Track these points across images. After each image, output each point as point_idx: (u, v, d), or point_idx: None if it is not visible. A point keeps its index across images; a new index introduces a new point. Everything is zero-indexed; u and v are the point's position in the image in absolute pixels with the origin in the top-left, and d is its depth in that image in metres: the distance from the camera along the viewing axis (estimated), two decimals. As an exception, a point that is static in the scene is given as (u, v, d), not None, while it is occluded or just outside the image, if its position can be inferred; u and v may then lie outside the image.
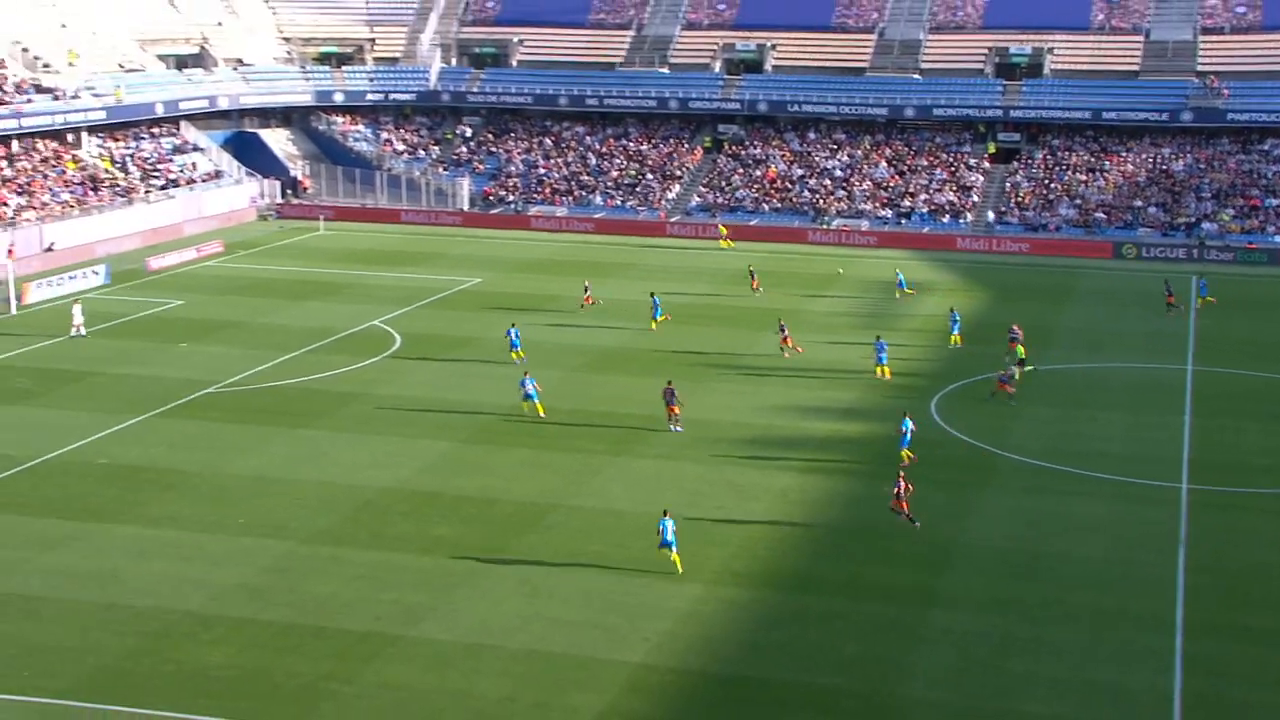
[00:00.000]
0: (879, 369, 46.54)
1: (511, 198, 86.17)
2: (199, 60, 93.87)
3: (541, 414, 42.04)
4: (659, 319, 53.80)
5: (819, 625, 28.98)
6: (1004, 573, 31.56)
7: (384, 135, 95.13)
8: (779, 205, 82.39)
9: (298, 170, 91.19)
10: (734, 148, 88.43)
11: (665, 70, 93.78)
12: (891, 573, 31.42)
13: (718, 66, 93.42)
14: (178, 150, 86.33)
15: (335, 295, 61.03)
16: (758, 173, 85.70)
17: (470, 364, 49.23)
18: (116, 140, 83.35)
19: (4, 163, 73.39)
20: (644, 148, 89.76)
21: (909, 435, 38.19)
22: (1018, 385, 44.09)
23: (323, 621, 28.92)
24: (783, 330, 50.14)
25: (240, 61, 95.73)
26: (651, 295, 55.45)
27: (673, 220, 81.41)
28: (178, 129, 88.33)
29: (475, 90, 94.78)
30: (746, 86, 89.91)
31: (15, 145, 75.44)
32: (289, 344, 51.65)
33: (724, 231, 77.24)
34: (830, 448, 39.73)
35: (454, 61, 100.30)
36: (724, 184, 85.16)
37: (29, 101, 75.74)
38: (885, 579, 31.11)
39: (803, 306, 59.41)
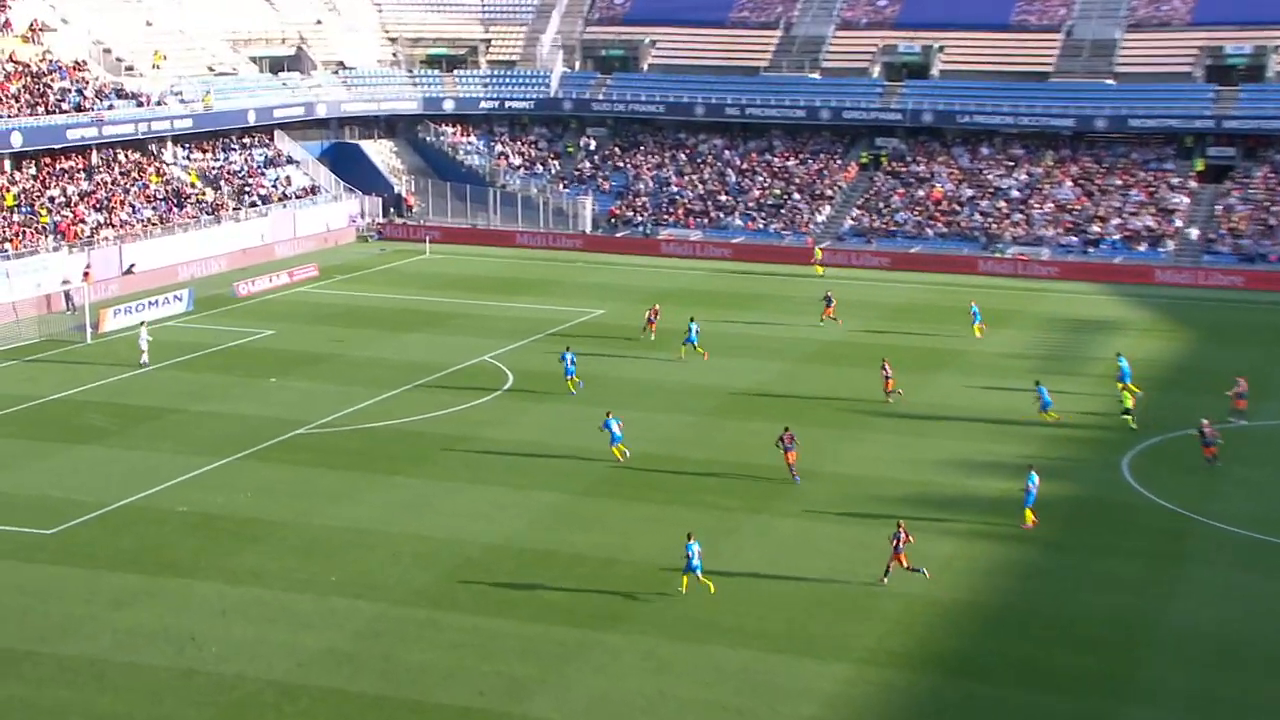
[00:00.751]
0: (1046, 414, 46.83)
1: (639, 219, 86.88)
2: (296, 63, 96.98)
3: (620, 458, 42.88)
4: (690, 346, 55.49)
5: (988, 718, 28.35)
6: (1211, 662, 30.55)
7: (498, 148, 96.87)
8: (945, 230, 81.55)
9: (402, 186, 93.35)
10: (894, 164, 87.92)
11: (816, 75, 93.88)
12: (1075, 658, 30.62)
13: (876, 71, 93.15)
14: (270, 163, 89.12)
15: (441, 326, 62.08)
16: (921, 193, 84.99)
17: (590, 406, 49.59)
18: (204, 151, 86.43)
19: (82, 175, 76.62)
20: (790, 164, 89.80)
21: (1033, 493, 37.66)
22: (1219, 444, 42.79)
23: (419, 694, 29.25)
24: (886, 371, 49.95)
25: (341, 65, 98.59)
26: (690, 321, 56.72)
27: (822, 246, 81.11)
28: (271, 139, 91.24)
29: (601, 97, 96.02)
30: (909, 94, 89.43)
31: (95, 156, 78.71)
32: (389, 380, 52.67)
33: (818, 254, 77.04)
34: (1001, 510, 38.99)
35: (578, 65, 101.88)
36: (881, 205, 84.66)
37: (110, 108, 79.03)
38: (1068, 665, 30.33)
39: (970, 346, 58.73)
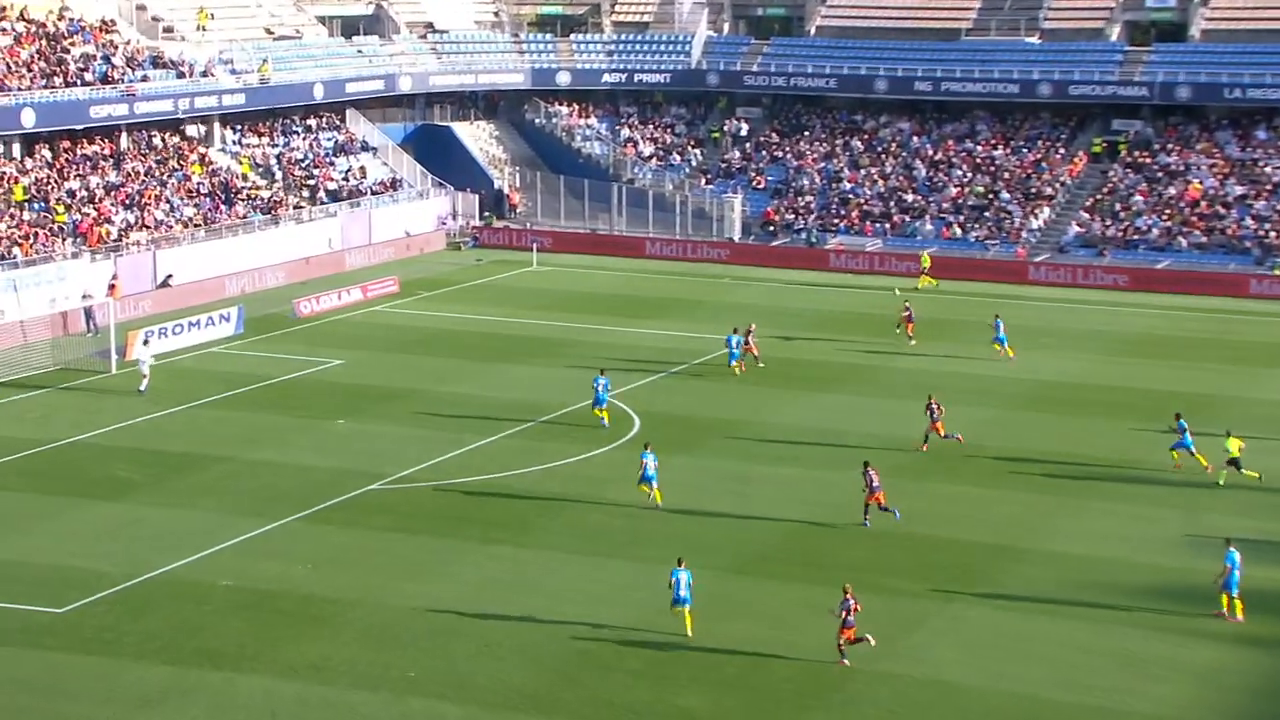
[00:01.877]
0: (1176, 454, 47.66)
1: (802, 223, 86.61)
2: (373, 24, 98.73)
3: (659, 503, 44.04)
4: (736, 364, 58.83)
5: None
6: None
7: (625, 133, 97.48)
8: (1204, 240, 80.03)
9: (504, 180, 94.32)
10: (1136, 153, 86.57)
11: (1034, 40, 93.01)
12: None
13: (1115, 33, 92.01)
14: (341, 150, 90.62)
15: (550, 357, 62.33)
16: (1171, 191, 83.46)
17: (739, 460, 49.25)
18: (259, 135, 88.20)
19: (108, 163, 78.56)
20: (998, 153, 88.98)
21: (1236, 574, 37.17)
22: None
23: (517, 825, 29.14)
24: (932, 413, 49.72)
25: (430, 27, 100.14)
26: (734, 331, 59.48)
27: (1037, 260, 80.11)
28: (342, 120, 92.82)
29: (755, 69, 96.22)
30: (1159, 62, 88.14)
31: (124, 140, 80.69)
32: (483, 424, 52.92)
33: (926, 263, 76.52)
34: (1272, 607, 37.95)
35: (726, 28, 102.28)
36: (1118, 207, 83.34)
37: (144, 80, 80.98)
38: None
39: (1243, 392, 57.62)
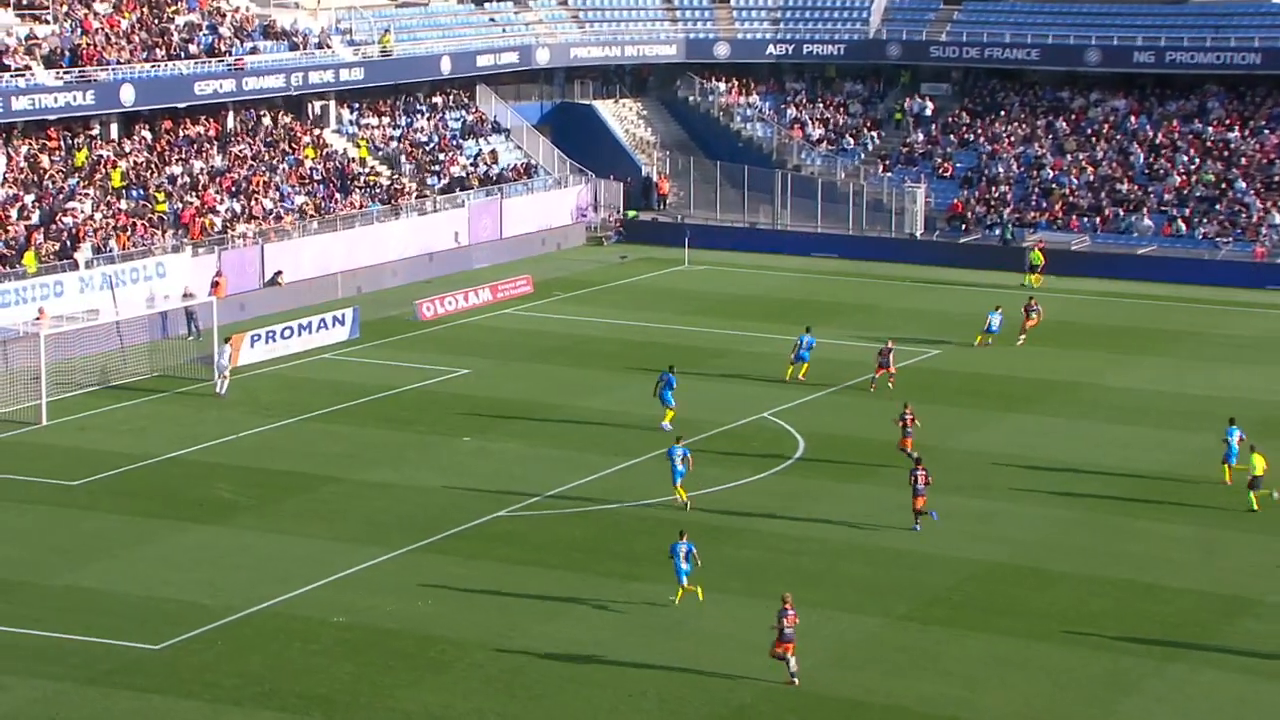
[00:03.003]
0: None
1: (997, 218, 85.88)
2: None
3: (683, 500, 46.56)
4: (800, 365, 60.19)
5: None
6: None
7: (791, 113, 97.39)
8: None
9: (653, 167, 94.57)
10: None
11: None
12: None
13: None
14: (470, 131, 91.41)
15: (704, 367, 62.39)
16: None
17: (929, 491, 48.99)
18: (379, 115, 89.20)
19: (213, 146, 79.86)
20: (1233, 135, 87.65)
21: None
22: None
23: None
24: (905, 424, 50.62)
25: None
26: (805, 331, 60.87)
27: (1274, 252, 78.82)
28: (471, 98, 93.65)
29: (944, 38, 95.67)
30: None
31: (231, 119, 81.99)
32: (628, 443, 53.10)
33: (1038, 259, 76.76)
34: None
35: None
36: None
37: (253, 52, 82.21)
38: None
39: None
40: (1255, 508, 47.00)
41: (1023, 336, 65.86)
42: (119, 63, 76.30)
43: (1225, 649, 38.40)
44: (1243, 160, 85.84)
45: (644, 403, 56.80)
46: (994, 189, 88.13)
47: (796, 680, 35.99)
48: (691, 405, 57.08)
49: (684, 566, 40.03)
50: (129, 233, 70.39)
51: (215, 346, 60.81)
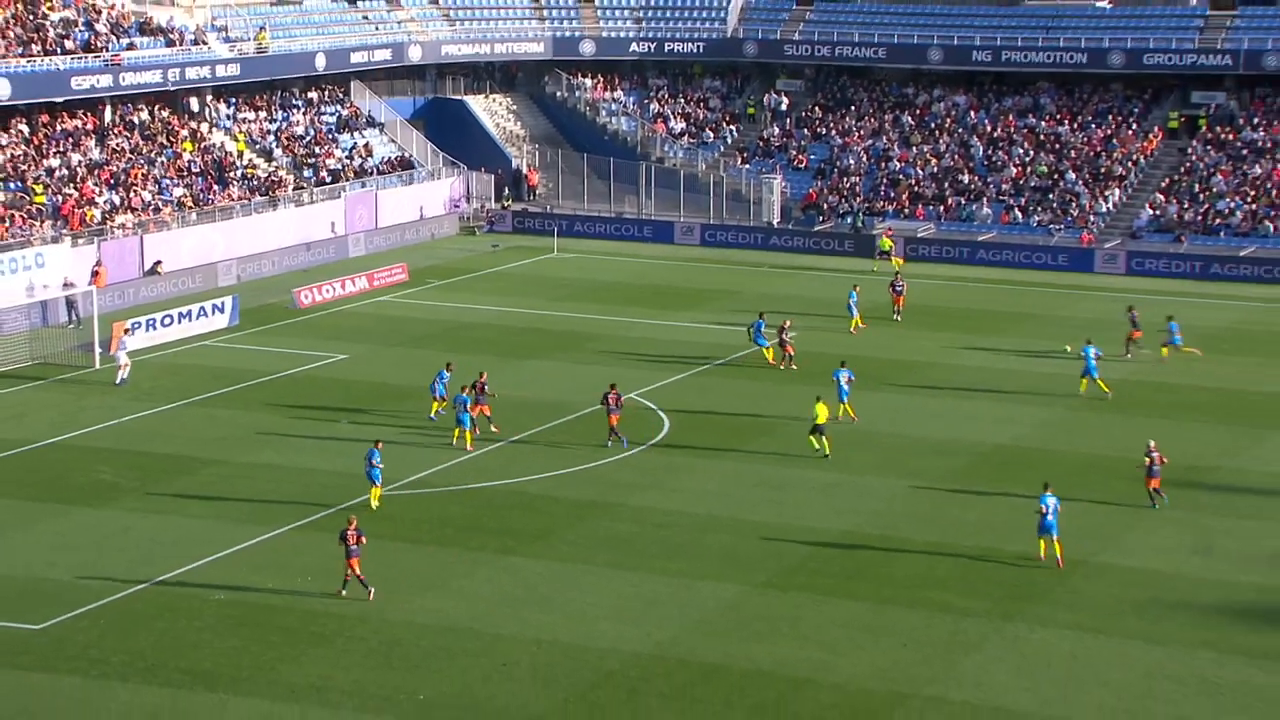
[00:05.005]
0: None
1: (847, 207, 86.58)
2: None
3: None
4: (767, 348, 60.48)
5: None
6: None
7: (654, 107, 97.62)
8: (1292, 227, 79.82)
9: (523, 159, 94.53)
10: (1218, 129, 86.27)
11: (1106, 5, 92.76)
12: None
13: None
14: (345, 125, 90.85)
15: (572, 351, 62.45)
16: (1258, 170, 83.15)
17: (777, 463, 49.32)
18: (255, 109, 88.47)
19: (91, 140, 78.88)
20: (1064, 129, 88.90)
21: (1050, 519, 39.62)
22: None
23: None
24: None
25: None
26: (760, 316, 61.32)
27: (1108, 246, 79.94)
28: (346, 93, 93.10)
29: (797, 37, 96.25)
30: (1244, 27, 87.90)
31: (109, 114, 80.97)
32: (500, 424, 53.07)
33: (887, 245, 78.15)
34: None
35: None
36: (1197, 189, 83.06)
37: (130, 48, 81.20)
38: None
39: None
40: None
41: (898, 315, 67.39)
42: (-4, 59, 75.17)
43: (1063, 611, 38.99)
44: (1072, 153, 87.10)
45: (519, 385, 56.78)
46: (845, 180, 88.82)
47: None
48: (562, 387, 57.19)
49: (376, 472, 44.58)
50: (7, 224, 69.45)
51: (94, 334, 60.14)
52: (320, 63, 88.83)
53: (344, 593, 39.29)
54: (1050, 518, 41.08)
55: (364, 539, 39.53)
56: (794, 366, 59.34)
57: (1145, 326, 61.60)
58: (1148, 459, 45.51)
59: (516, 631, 37.62)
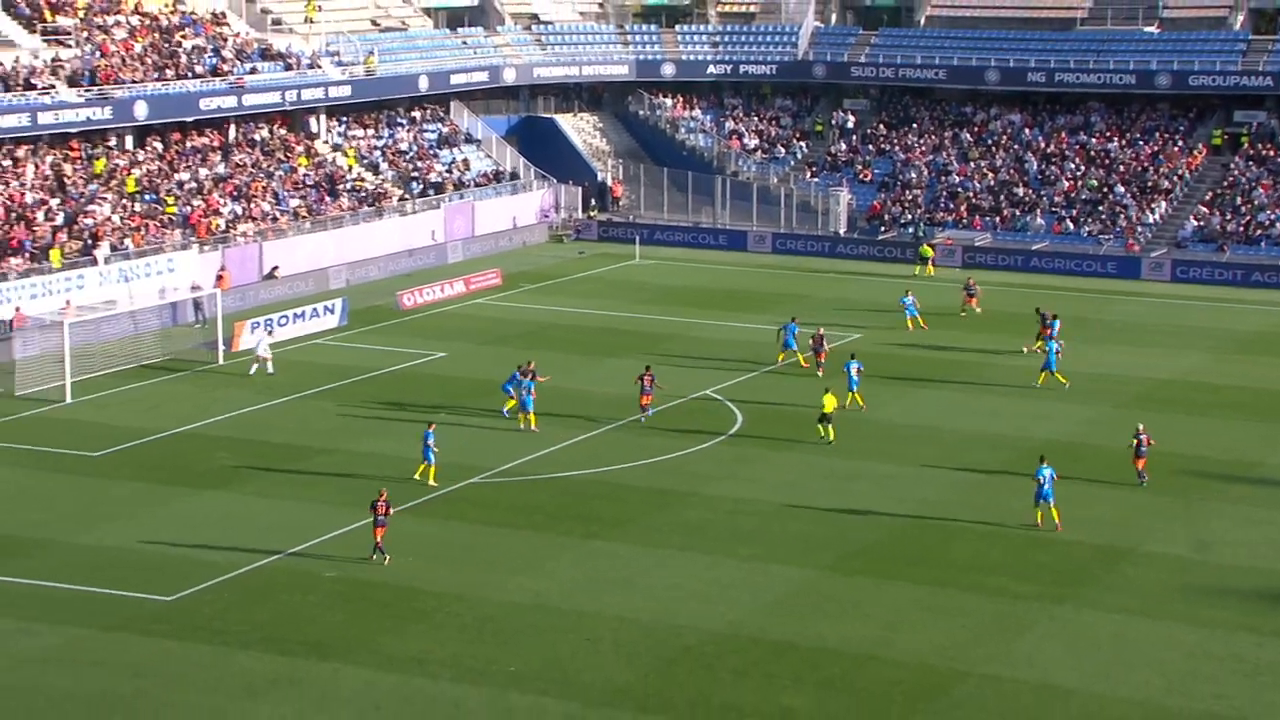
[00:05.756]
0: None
1: (909, 218, 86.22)
2: (479, 16, 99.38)
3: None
4: (790, 352, 59.87)
5: None
6: None
7: (729, 125, 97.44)
8: (1330, 238, 78.92)
9: (608, 173, 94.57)
10: (1259, 146, 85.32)
11: (1153, 29, 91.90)
12: None
13: (1239, 21, 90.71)
14: (445, 142, 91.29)
15: (653, 350, 62.54)
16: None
17: (843, 455, 49.40)
18: (364, 127, 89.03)
19: (217, 155, 79.68)
20: (1113, 146, 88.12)
21: (1047, 487, 40.44)
22: None
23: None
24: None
25: (534, 19, 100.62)
26: (792, 320, 60.73)
27: (1154, 255, 79.33)
28: (446, 112, 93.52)
29: (863, 60, 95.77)
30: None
31: (233, 132, 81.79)
32: (586, 418, 53.33)
33: (927, 253, 78.67)
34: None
35: (834, 19, 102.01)
36: (1239, 201, 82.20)
37: (252, 71, 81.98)
38: None
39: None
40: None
41: (964, 313, 67.84)
42: (133, 82, 76.03)
43: (1109, 595, 38.83)
44: (1121, 168, 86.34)
45: (601, 382, 56.97)
46: (907, 192, 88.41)
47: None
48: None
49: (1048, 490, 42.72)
50: (142, 232, 70.26)
51: (218, 333, 60.77)
52: (423, 84, 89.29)
53: (374, 558, 40.21)
54: (1046, 486, 42.41)
55: (391, 510, 40.58)
56: (819, 373, 58.23)
57: (1170, 329, 61.79)
58: (1135, 440, 46.39)
59: (600, 610, 37.80)
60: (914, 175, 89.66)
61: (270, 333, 61.90)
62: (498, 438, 51.27)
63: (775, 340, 60.89)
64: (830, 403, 50.66)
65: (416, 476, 46.50)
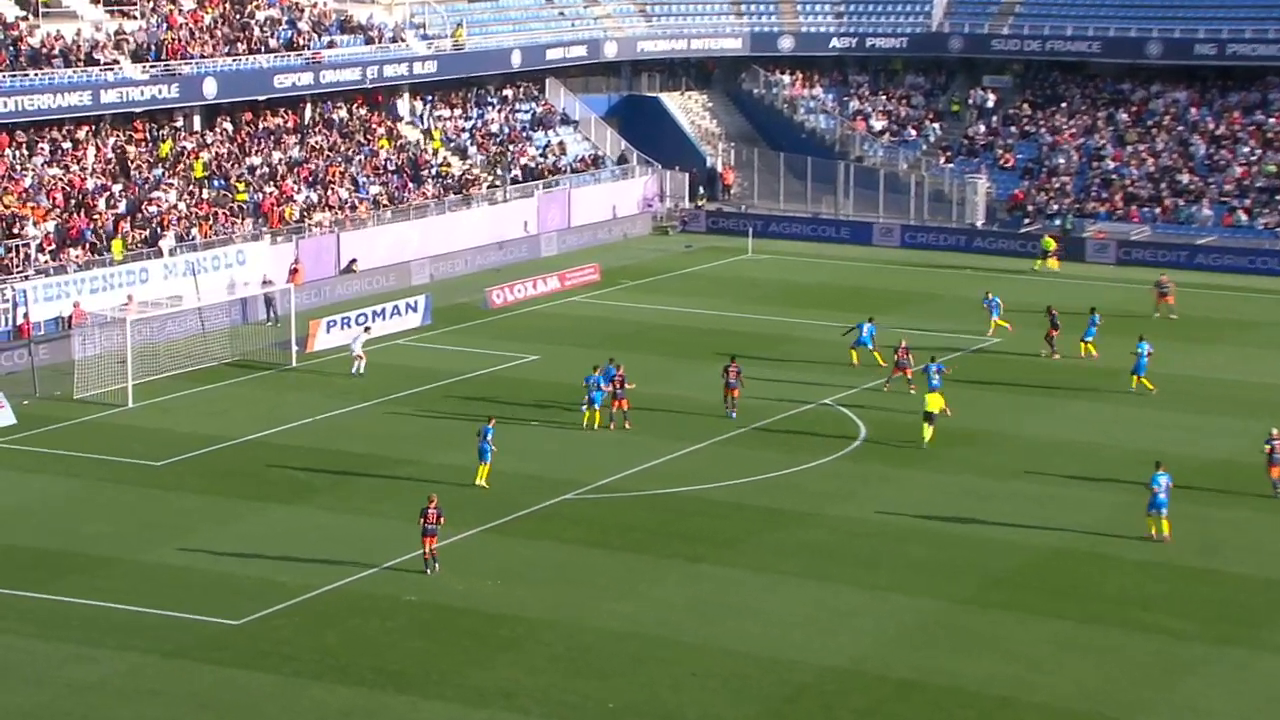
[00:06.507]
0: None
1: (1056, 208, 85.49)
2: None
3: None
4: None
5: None
6: None
7: (854, 105, 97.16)
8: None
9: (718, 158, 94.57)
10: None
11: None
12: None
13: None
14: (539, 123, 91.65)
15: (767, 354, 62.35)
16: None
17: (980, 472, 49.07)
18: (451, 107, 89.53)
19: (292, 138, 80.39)
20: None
21: (1162, 495, 41.18)
22: None
23: None
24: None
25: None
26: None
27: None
28: (541, 90, 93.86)
29: (1006, 31, 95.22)
30: None
31: (309, 112, 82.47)
32: (688, 429, 53.25)
33: (1050, 245, 77.91)
34: None
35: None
36: None
37: (330, 46, 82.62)
38: None
39: None
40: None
41: (1157, 313, 68.07)
42: (202, 57, 76.90)
43: None
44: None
45: (708, 389, 56.84)
46: (1054, 180, 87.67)
47: None
48: (755, 391, 57.12)
49: (487, 448, 46.85)
50: (211, 221, 71.03)
51: (291, 332, 61.28)
52: (516, 60, 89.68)
53: (429, 572, 40.83)
54: (1161, 495, 42.91)
55: (443, 519, 41.11)
56: (887, 388, 58.00)
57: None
58: (1269, 446, 46.37)
59: (706, 641, 37.68)
60: (1062, 161, 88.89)
61: (368, 329, 62.23)
62: (593, 449, 51.30)
63: (847, 338, 61.24)
64: (935, 401, 51.16)
65: (480, 482, 47.29)
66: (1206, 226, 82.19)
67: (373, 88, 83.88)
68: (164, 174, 73.10)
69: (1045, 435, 52.82)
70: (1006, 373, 59.69)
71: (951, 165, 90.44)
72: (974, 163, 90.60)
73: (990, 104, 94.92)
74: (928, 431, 51.16)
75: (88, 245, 66.61)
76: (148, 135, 75.38)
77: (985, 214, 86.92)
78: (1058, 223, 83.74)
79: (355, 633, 38.17)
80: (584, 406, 53.55)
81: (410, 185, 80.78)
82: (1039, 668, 36.40)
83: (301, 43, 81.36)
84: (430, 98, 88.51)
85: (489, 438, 47.59)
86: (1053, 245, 78.95)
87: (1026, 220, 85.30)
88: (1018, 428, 53.57)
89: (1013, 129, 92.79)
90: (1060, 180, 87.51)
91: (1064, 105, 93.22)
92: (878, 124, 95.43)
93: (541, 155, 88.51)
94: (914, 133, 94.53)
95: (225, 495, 47.46)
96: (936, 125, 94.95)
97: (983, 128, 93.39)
